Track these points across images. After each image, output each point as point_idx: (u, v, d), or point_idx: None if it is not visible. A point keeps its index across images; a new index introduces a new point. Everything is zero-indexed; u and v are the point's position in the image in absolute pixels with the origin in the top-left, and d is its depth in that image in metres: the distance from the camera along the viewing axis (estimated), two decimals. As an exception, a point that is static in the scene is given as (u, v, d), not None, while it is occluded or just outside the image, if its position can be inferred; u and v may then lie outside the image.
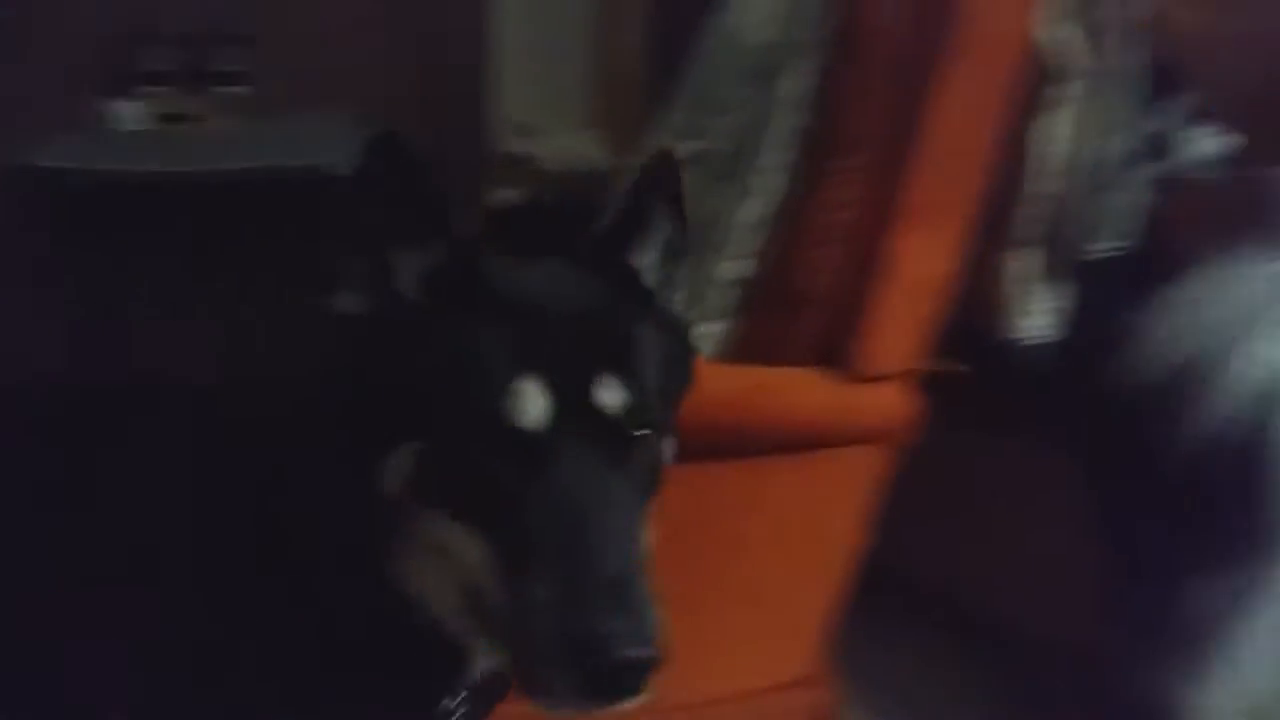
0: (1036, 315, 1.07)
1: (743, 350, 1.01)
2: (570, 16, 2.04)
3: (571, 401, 0.49)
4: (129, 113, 1.62)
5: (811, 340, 0.96)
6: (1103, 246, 1.02)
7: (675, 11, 1.32)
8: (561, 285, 0.54)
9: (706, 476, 0.87)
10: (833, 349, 0.95)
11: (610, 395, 0.49)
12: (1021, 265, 1.06)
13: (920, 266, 0.93)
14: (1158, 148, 1.17)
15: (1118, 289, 1.03)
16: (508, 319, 0.50)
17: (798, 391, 0.94)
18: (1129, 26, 0.95)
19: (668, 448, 0.54)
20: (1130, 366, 0.96)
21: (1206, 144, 1.14)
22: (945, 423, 1.12)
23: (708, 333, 1.02)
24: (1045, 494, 1.19)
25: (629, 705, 0.45)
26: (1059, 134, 0.98)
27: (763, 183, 1.03)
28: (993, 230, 1.07)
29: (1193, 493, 0.90)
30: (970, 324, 1.10)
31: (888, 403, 0.97)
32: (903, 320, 0.94)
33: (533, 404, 0.48)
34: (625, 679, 0.44)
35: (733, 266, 1.04)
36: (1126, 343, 0.98)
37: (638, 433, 0.50)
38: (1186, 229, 1.08)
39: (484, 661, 0.55)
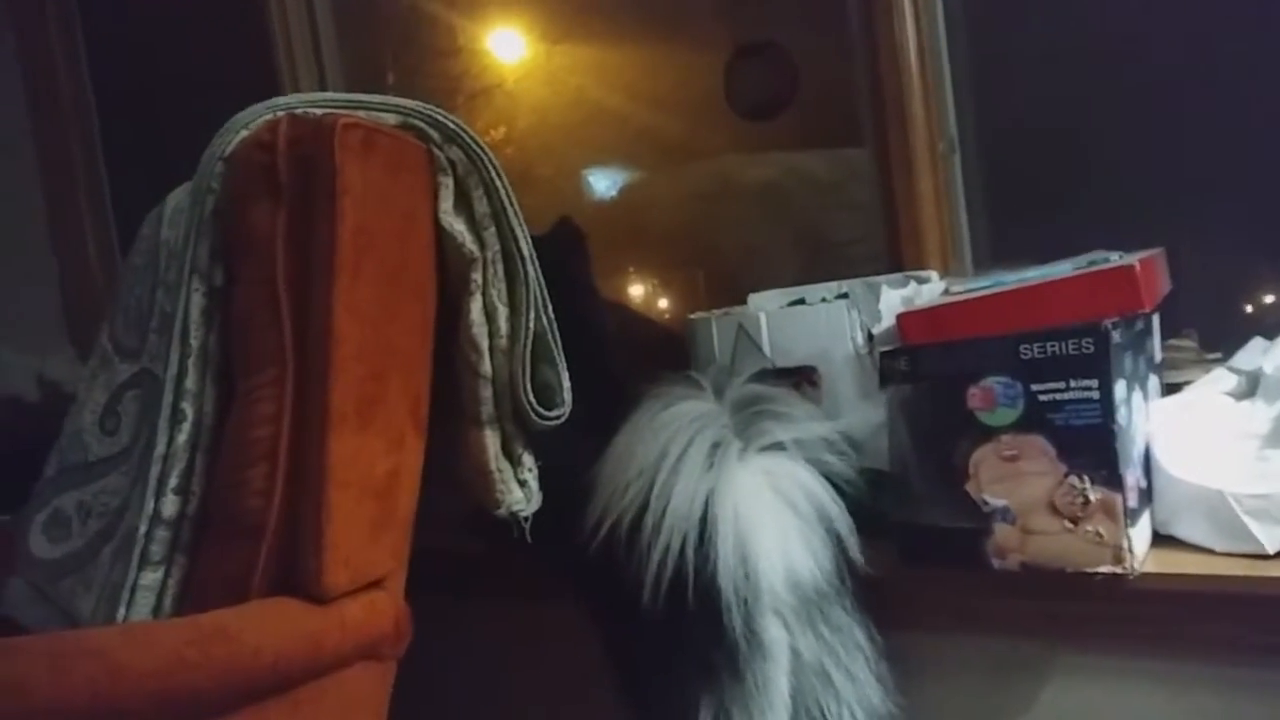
0: (514, 489, 1.09)
1: (192, 595, 0.91)
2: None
3: None
4: None
5: (267, 568, 0.88)
6: (553, 414, 1.07)
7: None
8: None
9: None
10: (290, 574, 0.88)
11: None
12: (492, 443, 1.08)
13: (361, 469, 0.90)
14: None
15: (575, 450, 1.09)
16: None
17: (259, 629, 0.85)
18: (516, 213, 1.04)
19: None
20: (595, 517, 1.00)
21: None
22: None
23: (146, 583, 0.90)
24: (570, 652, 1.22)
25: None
26: (476, 317, 1.02)
27: (193, 406, 0.95)
28: (461, 412, 1.09)
29: (669, 623, 0.94)
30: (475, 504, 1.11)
31: (363, 617, 0.91)
32: (357, 527, 0.90)
33: None
34: None
35: (174, 501, 0.94)
36: (590, 495, 1.03)
37: None
38: (628, 382, 1.18)
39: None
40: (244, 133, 1.01)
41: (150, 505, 0.93)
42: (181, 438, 0.95)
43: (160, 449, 0.96)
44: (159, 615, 0.91)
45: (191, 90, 1.89)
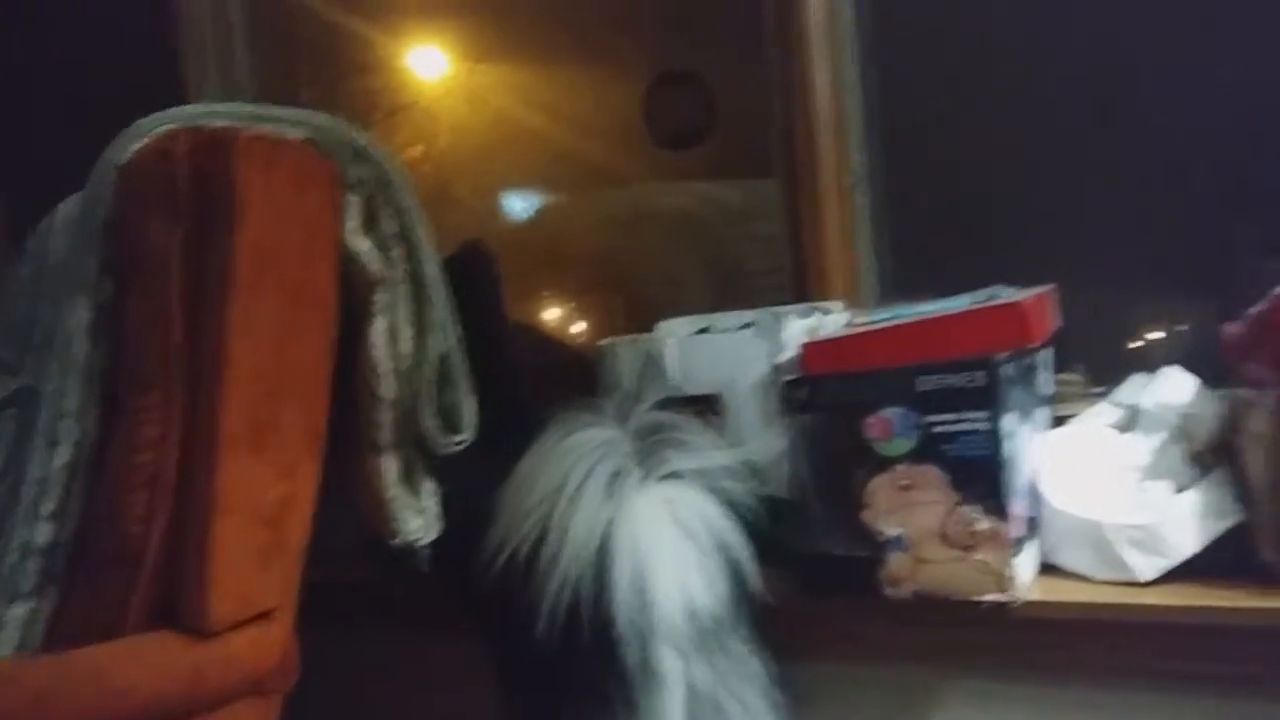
0: (414, 516, 1.08)
1: (63, 630, 0.87)
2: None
3: None
4: None
5: (145, 600, 0.85)
6: (457, 439, 1.06)
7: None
8: None
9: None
10: (172, 606, 0.85)
11: None
12: (389, 469, 1.06)
13: (251, 495, 0.87)
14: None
15: (480, 472, 1.08)
16: None
17: (133, 666, 0.81)
18: (425, 235, 1.03)
19: None
20: (496, 544, 0.99)
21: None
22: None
23: (13, 617, 0.86)
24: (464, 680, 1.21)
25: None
26: (379, 339, 1.01)
27: (70, 427, 0.91)
28: (360, 437, 1.07)
29: (565, 652, 0.93)
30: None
31: (248, 651, 0.88)
32: (245, 556, 0.87)
33: None
34: None
35: (48, 528, 0.90)
36: (491, 523, 1.02)
37: None
38: (536, 407, 1.18)
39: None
40: (142, 141, 0.99)
41: (22, 533, 0.88)
42: (59, 460, 0.92)
43: (36, 472, 0.92)
44: (25, 651, 0.86)
45: (93, 103, 1.83)
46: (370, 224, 1.03)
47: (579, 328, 1.90)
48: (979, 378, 0.92)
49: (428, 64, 2.02)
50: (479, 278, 1.28)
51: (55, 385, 0.92)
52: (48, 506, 0.89)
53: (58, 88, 1.94)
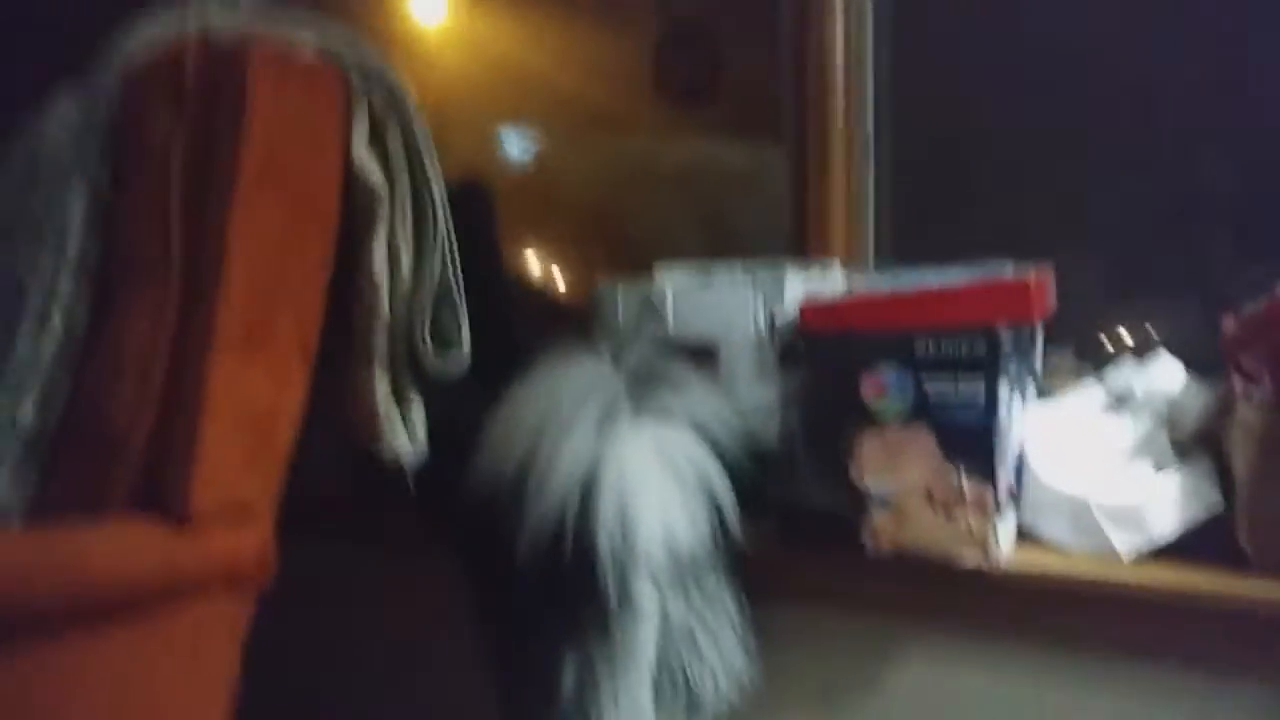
0: (400, 432, 1.07)
1: (45, 508, 0.86)
2: None
3: None
4: None
5: (129, 487, 0.84)
6: (448, 361, 1.05)
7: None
8: None
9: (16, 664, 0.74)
10: (155, 494, 0.84)
11: None
12: (380, 384, 1.05)
13: (243, 396, 0.87)
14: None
15: (468, 399, 1.07)
16: None
17: (112, 547, 0.81)
18: (431, 156, 1.02)
19: None
20: (481, 471, 0.99)
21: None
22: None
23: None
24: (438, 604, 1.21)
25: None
26: (379, 255, 0.99)
27: (60, 315, 0.90)
28: (353, 351, 1.06)
29: (543, 580, 0.94)
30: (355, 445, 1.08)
31: (226, 543, 0.88)
32: (230, 454, 0.86)
33: None
34: None
35: (32, 412, 0.89)
36: (478, 449, 1.02)
37: None
38: (528, 341, 1.17)
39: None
40: (151, 42, 0.96)
41: (6, 407, 0.87)
42: (48, 347, 0.90)
43: (23, 353, 0.90)
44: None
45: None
46: (377, 139, 1.01)
47: (570, 272, 1.88)
48: (979, 345, 0.92)
49: (427, 7, 1.99)
50: (477, 211, 1.27)
51: (47, 274, 0.90)
52: (33, 391, 0.88)
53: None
